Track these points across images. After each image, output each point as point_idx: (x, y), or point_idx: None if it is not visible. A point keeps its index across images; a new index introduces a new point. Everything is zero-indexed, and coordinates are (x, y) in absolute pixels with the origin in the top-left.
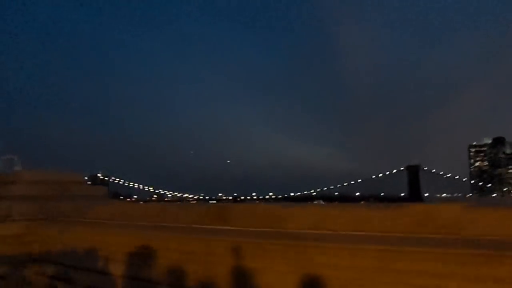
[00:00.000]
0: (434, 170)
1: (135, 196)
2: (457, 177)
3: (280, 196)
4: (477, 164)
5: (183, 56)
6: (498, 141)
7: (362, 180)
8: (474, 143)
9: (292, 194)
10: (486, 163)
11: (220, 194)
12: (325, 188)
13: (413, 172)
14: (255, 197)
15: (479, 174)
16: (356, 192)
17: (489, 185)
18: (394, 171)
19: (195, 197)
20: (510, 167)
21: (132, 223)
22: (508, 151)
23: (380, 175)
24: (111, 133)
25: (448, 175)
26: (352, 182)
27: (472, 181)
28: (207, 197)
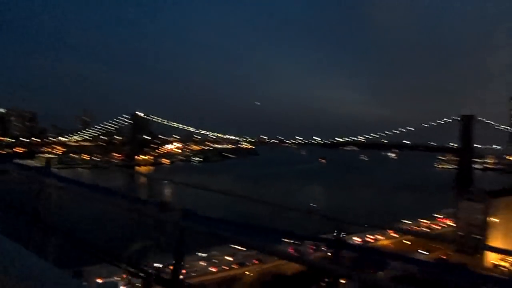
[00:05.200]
0: (490, 122)
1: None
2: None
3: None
4: None
5: None
6: None
7: (410, 128)
8: None
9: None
10: None
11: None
12: (370, 136)
13: (467, 122)
14: (301, 141)
15: None
16: (404, 140)
17: None
18: (445, 120)
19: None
20: None
21: None
22: None
23: (428, 124)
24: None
25: (500, 126)
26: (399, 131)
27: None
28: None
